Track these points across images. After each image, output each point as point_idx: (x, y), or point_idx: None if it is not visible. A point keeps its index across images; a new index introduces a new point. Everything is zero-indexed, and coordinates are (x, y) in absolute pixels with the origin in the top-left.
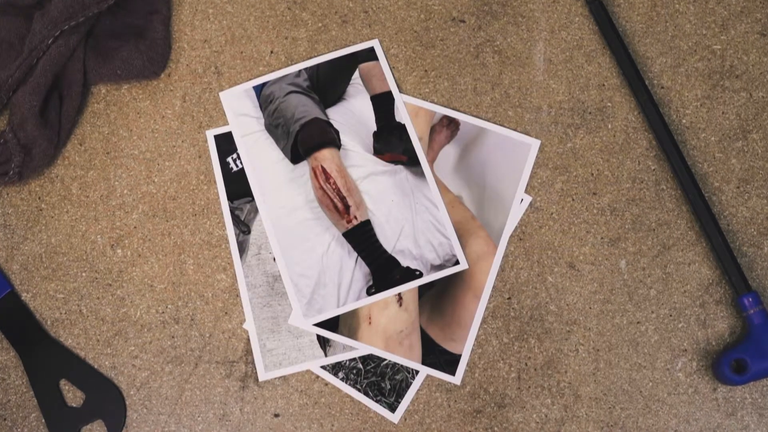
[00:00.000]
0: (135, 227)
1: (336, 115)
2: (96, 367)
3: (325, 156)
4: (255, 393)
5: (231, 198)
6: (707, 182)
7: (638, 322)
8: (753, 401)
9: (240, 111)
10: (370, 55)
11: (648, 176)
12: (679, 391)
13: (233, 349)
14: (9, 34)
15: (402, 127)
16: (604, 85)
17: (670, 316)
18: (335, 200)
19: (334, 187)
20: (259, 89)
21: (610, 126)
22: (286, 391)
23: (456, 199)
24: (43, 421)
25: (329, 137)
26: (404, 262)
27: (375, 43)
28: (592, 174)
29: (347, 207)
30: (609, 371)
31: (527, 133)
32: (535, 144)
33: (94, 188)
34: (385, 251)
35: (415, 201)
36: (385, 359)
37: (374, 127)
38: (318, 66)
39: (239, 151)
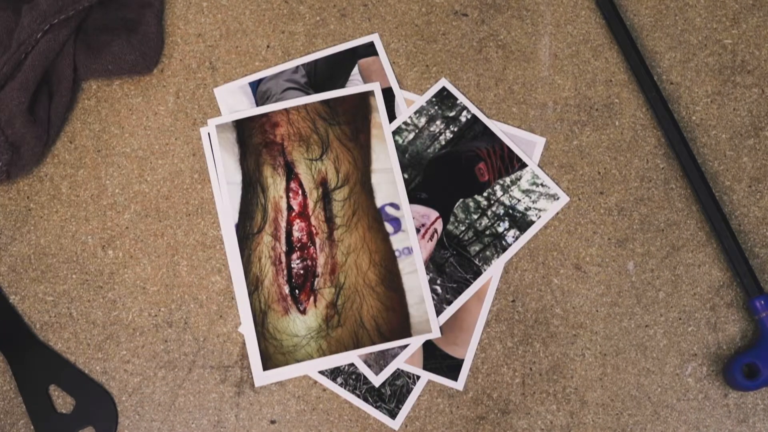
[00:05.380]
0: (127, 227)
1: None
2: (86, 372)
3: None
4: (251, 399)
5: None
6: (718, 181)
7: (646, 326)
8: (765, 407)
9: (235, 108)
10: (369, 49)
11: (657, 175)
12: (689, 397)
13: (228, 353)
14: None
15: None
16: (611, 80)
17: (680, 319)
18: None
19: None
20: (255, 85)
21: (617, 123)
22: (282, 396)
23: None
24: (32, 427)
25: None
26: None
27: (375, 38)
28: (599, 173)
29: None
30: (616, 376)
31: (532, 131)
32: (540, 142)
33: (85, 187)
34: None
35: None
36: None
37: None
38: (316, 61)
39: None
